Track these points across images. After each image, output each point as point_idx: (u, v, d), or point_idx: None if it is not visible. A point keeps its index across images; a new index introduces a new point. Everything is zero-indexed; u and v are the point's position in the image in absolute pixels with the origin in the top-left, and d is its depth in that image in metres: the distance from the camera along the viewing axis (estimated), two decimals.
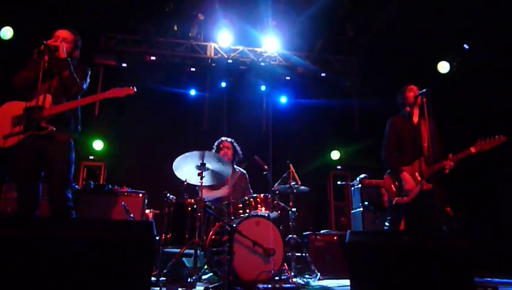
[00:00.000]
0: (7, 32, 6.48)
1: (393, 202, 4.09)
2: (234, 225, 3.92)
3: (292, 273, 4.39)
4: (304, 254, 5.09)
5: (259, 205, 4.41)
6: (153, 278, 3.53)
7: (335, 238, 5.71)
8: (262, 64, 8.14)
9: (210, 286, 3.58)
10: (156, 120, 8.12)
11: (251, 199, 4.44)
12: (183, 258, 4.13)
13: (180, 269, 4.08)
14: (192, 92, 8.45)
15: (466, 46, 6.96)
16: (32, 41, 3.35)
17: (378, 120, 4.71)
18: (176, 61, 8.05)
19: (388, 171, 4.27)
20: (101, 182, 5.96)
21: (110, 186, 5.52)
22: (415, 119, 4.25)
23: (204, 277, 4.43)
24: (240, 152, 5.31)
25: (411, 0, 6.51)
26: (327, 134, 8.71)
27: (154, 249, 2.77)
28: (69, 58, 3.46)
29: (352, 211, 6.73)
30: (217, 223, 4.33)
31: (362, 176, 6.55)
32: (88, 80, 3.66)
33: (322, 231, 5.95)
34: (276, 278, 3.84)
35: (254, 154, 4.92)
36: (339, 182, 7.68)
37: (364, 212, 6.21)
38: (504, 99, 6.55)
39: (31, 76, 3.31)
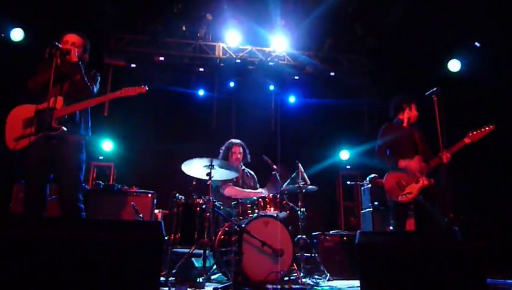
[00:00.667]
0: (17, 34, 6.53)
1: (398, 201, 4.08)
2: (243, 225, 3.91)
3: (301, 274, 4.36)
4: (313, 255, 5.07)
5: (268, 205, 4.40)
6: (161, 278, 3.53)
7: (344, 238, 5.68)
8: (270, 63, 8.13)
9: (219, 286, 3.57)
10: (165, 120, 8.15)
11: (260, 199, 4.43)
12: (192, 258, 4.13)
13: (189, 269, 4.08)
14: (201, 92, 8.48)
15: (477, 44, 6.87)
16: (42, 43, 3.38)
17: (388, 119, 4.69)
18: (185, 62, 8.07)
19: (390, 170, 4.27)
20: (110, 182, 5.99)
21: (119, 187, 5.54)
22: (406, 124, 4.46)
23: (213, 277, 4.43)
24: (249, 154, 5.33)
25: None
26: (336, 134, 8.66)
27: (163, 249, 2.77)
28: (80, 62, 3.48)
29: (361, 211, 6.69)
30: (226, 223, 4.32)
31: (372, 175, 6.50)
32: (98, 85, 3.69)
33: (331, 231, 5.92)
34: (285, 278, 3.84)
35: (262, 154, 4.91)
36: (348, 182, 7.63)
37: (374, 213, 6.16)
38: None
39: (44, 79, 3.33)
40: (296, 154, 5.72)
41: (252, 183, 5.29)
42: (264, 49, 8.08)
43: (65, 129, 3.32)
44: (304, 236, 4.80)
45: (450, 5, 6.29)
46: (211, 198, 4.14)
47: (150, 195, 5.53)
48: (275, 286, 3.25)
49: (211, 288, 3.65)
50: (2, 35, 6.49)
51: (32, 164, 3.34)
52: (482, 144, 4.12)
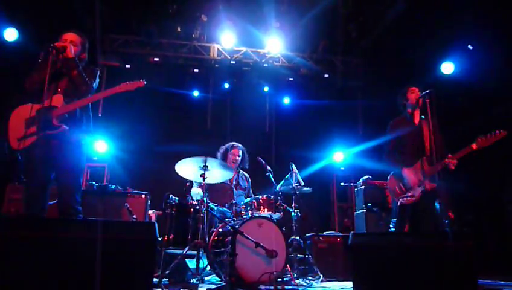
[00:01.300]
0: (11, 34, 6.50)
1: (399, 203, 4.06)
2: (237, 226, 3.92)
3: (295, 275, 4.36)
4: (306, 256, 5.07)
5: (262, 206, 4.41)
6: (155, 279, 3.53)
7: (338, 239, 5.68)
8: (265, 65, 8.15)
9: (212, 287, 3.57)
10: (160, 121, 8.14)
11: (254, 200, 4.45)
12: (186, 259, 4.13)
13: (182, 270, 4.08)
14: (196, 93, 8.48)
15: (470, 46, 6.92)
16: (36, 43, 3.38)
17: (382, 121, 4.68)
18: (179, 63, 8.07)
19: (392, 173, 4.24)
20: (104, 183, 5.96)
21: (113, 187, 5.52)
22: (416, 120, 4.22)
23: (206, 278, 4.42)
24: (247, 159, 5.34)
25: (415, 0, 6.48)
26: (330, 135, 8.68)
27: (156, 250, 2.77)
28: (76, 58, 3.48)
29: (355, 213, 6.70)
30: (220, 224, 4.32)
31: (366, 177, 6.52)
32: (98, 79, 3.71)
33: (325, 233, 5.93)
34: (279, 279, 3.84)
35: (257, 155, 4.91)
36: (342, 183, 7.65)
37: (367, 214, 6.18)
38: (508, 100, 6.50)
39: (41, 78, 3.32)
40: (290, 156, 5.74)
41: (246, 187, 5.30)
42: (258, 50, 8.10)
43: (66, 128, 3.31)
44: (298, 237, 4.81)
45: (444, 8, 6.34)
46: (204, 199, 4.14)
47: (143, 196, 5.52)
48: (268, 287, 3.25)
49: (205, 289, 3.65)
50: None
51: (33, 163, 3.32)
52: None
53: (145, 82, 3.55)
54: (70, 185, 3.38)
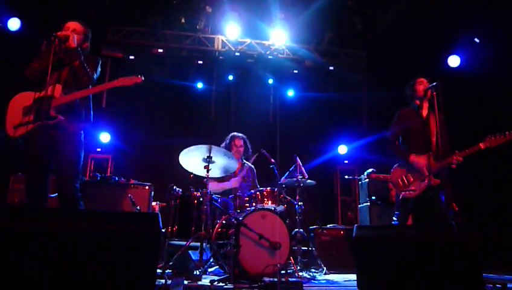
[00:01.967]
0: (14, 24, 6.49)
1: (401, 197, 4.04)
2: (240, 218, 3.91)
3: (298, 268, 4.37)
4: (310, 248, 5.08)
5: (265, 199, 4.41)
6: (158, 271, 3.53)
7: (341, 232, 5.68)
8: (269, 57, 8.10)
9: (216, 279, 3.57)
10: (163, 113, 8.13)
11: (257, 193, 4.44)
12: (189, 251, 4.13)
13: (186, 261, 4.09)
14: (200, 85, 8.44)
15: (477, 40, 6.85)
16: (39, 32, 3.36)
17: (387, 114, 4.64)
18: (183, 54, 8.02)
19: (395, 165, 4.20)
20: (108, 174, 5.97)
21: (116, 179, 5.53)
22: (424, 112, 4.15)
23: (210, 269, 4.43)
24: (250, 148, 5.32)
25: None
26: (335, 128, 8.65)
27: (160, 242, 2.76)
28: (79, 48, 3.46)
29: (359, 206, 6.71)
30: (223, 216, 4.32)
31: (369, 170, 6.51)
32: (99, 69, 3.68)
33: (328, 225, 5.93)
34: (282, 271, 3.84)
35: (261, 148, 4.90)
36: (346, 176, 7.64)
37: (371, 207, 6.18)
38: None
39: (42, 66, 3.31)
40: (294, 148, 5.71)
41: (251, 178, 5.29)
42: (263, 42, 8.05)
43: (63, 118, 3.30)
44: (301, 230, 4.81)
45: (450, 0, 6.27)
46: (208, 191, 4.13)
47: (147, 187, 5.53)
48: (271, 279, 3.25)
49: (208, 281, 3.65)
50: (0, 24, 6.45)
51: (32, 153, 3.32)
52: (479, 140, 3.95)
53: (143, 78, 3.49)
54: (69, 173, 3.36)
